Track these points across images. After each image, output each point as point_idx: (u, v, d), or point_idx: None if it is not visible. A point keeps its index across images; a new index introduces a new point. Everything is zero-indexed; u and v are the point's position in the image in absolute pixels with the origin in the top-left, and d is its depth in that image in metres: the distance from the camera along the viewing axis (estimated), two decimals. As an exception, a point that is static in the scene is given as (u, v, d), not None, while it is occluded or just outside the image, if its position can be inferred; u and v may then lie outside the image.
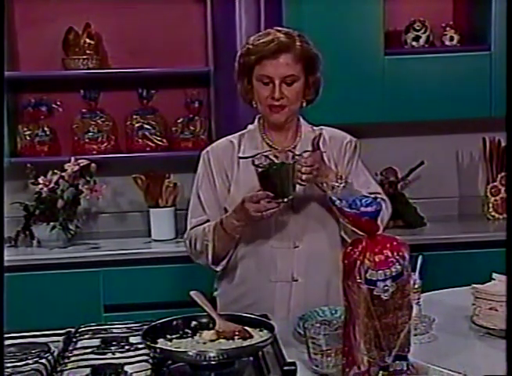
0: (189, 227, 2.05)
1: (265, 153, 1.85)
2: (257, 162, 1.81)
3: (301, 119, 2.08)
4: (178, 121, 3.44)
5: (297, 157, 1.83)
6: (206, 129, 3.44)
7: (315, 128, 2.08)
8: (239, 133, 2.08)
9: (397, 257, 1.38)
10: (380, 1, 3.22)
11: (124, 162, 3.43)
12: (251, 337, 1.53)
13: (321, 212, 1.97)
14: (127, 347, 1.58)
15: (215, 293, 2.11)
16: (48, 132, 3.38)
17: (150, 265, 3.05)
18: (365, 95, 3.22)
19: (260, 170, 1.80)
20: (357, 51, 3.23)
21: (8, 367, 1.45)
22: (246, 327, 1.57)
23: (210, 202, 2.02)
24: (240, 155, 2.01)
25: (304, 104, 2.00)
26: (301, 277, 1.97)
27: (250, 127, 2.08)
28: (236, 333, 1.54)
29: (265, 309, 1.87)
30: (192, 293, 1.71)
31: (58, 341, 1.64)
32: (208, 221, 2.00)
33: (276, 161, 1.80)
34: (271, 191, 1.79)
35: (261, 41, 1.91)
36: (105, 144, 3.40)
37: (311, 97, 2.01)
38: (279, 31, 1.94)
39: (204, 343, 1.53)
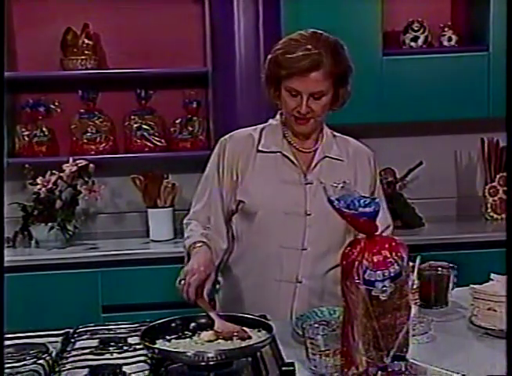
0: (189, 214, 2.03)
1: None
2: None
3: (323, 124, 2.03)
4: (177, 121, 3.44)
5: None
6: (204, 129, 3.44)
7: (336, 134, 2.04)
8: (261, 126, 2.03)
9: (395, 257, 1.38)
10: (378, 2, 3.22)
11: (122, 162, 3.43)
12: (250, 337, 1.53)
13: (336, 223, 1.90)
14: (125, 347, 1.58)
15: (217, 286, 2.09)
16: (46, 133, 3.38)
17: (149, 266, 3.05)
18: (364, 95, 3.18)
19: None
20: (355, 51, 3.16)
21: (6, 368, 1.44)
22: (244, 328, 1.57)
23: (214, 192, 1.98)
24: (260, 148, 1.97)
25: (330, 111, 1.95)
26: (305, 279, 1.95)
27: (271, 121, 2.03)
28: (235, 333, 1.54)
29: (267, 307, 1.85)
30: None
31: (56, 342, 1.63)
32: (203, 216, 1.98)
33: None
34: None
35: (292, 55, 1.82)
36: (103, 144, 3.40)
37: (337, 107, 1.96)
38: (310, 41, 1.84)
39: (203, 344, 1.52)
